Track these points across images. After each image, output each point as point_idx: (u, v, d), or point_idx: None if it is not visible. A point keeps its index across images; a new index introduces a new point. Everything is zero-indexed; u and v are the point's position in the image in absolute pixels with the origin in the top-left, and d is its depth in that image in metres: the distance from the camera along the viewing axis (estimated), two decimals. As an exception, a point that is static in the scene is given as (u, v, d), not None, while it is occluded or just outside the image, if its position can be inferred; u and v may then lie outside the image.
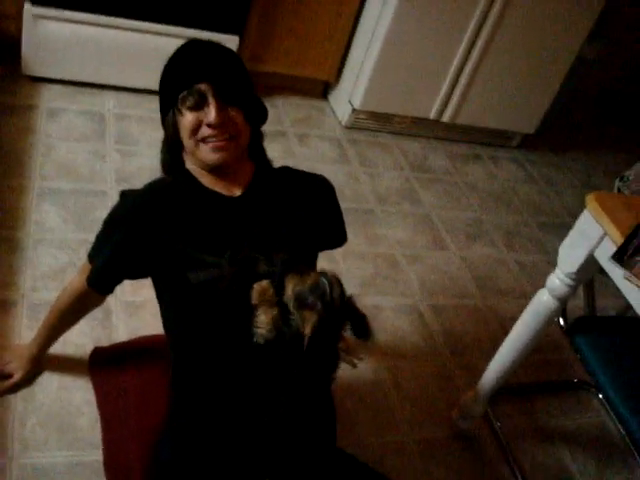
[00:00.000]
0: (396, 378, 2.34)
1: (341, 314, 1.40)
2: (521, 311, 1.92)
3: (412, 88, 3.46)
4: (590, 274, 1.85)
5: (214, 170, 1.51)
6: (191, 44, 1.54)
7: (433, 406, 2.30)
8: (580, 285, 1.82)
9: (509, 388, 2.32)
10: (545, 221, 3.47)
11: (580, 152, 4.21)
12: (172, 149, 1.56)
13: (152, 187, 1.54)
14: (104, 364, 1.97)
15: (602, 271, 1.65)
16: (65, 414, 1.88)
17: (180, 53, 1.52)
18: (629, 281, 1.47)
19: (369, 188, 3.20)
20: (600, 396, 2.47)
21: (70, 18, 2.90)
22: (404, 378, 2.35)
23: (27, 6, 2.83)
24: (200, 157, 1.49)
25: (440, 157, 3.65)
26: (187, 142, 1.49)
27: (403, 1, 3.11)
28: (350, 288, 2.56)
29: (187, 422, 1.49)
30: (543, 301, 1.82)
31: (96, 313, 2.10)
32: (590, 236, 1.64)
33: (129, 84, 3.17)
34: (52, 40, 2.93)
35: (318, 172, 1.76)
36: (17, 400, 1.87)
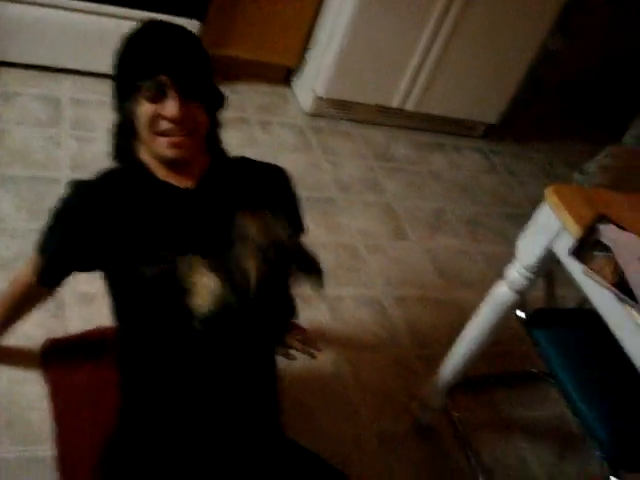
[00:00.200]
0: (356, 370, 2.32)
1: (290, 257, 1.38)
2: (484, 302, 1.92)
3: (375, 76, 3.44)
4: (549, 267, 1.85)
5: (169, 164, 1.45)
6: (151, 26, 1.44)
7: (393, 398, 2.29)
8: (539, 277, 1.81)
9: (469, 380, 2.31)
10: (508, 212, 3.47)
11: (543, 143, 4.22)
12: (124, 136, 1.48)
13: (102, 177, 1.49)
14: (56, 356, 1.91)
15: (562, 261, 1.64)
16: (16, 408, 1.84)
17: (140, 36, 1.43)
18: (588, 276, 1.46)
19: (331, 177, 3.17)
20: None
21: (26, 0, 2.82)
22: (364, 370, 2.34)
23: (-19, -13, 2.75)
24: (156, 150, 1.43)
25: (403, 146, 3.63)
26: (143, 133, 1.41)
27: (367, -12, 3.08)
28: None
29: (136, 418, 1.46)
30: (501, 293, 1.82)
31: (49, 304, 2.05)
32: (549, 229, 1.63)
33: (87, 68, 3.09)
34: (7, 22, 2.85)
35: (280, 160, 1.73)
36: (-35, 394, 1.82)
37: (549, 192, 1.63)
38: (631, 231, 1.54)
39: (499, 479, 2.19)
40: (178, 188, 1.47)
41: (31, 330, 1.99)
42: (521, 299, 1.83)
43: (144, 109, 1.39)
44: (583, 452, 2.34)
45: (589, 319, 1.98)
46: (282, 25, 3.36)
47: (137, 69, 1.39)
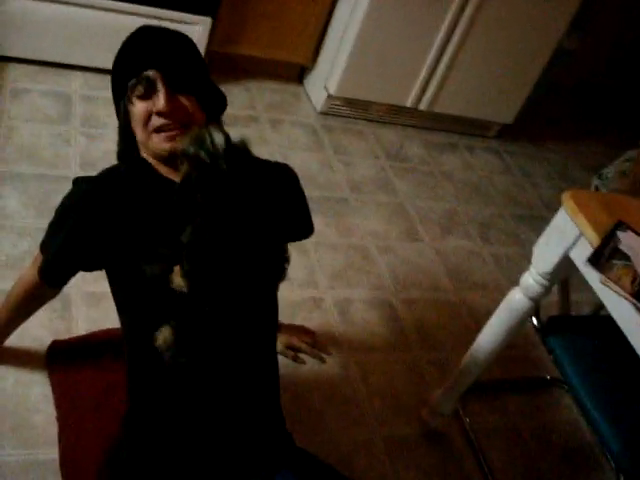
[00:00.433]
0: (365, 373, 2.29)
1: (230, 159, 1.32)
2: (495, 306, 1.88)
3: (389, 75, 3.39)
4: (565, 274, 1.81)
5: (169, 161, 1.43)
6: (141, 31, 1.48)
7: (403, 402, 2.25)
8: (555, 284, 1.77)
9: (481, 385, 2.28)
10: (521, 213, 3.43)
11: (558, 144, 4.17)
12: (126, 138, 1.51)
13: (107, 174, 1.49)
14: (63, 358, 1.90)
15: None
16: (21, 411, 1.80)
17: (129, 40, 1.47)
18: (606, 286, 1.42)
19: (343, 177, 3.13)
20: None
21: (36, -5, 2.79)
22: (373, 373, 2.30)
23: (-9, -18, 2.73)
24: (153, 148, 1.43)
25: (416, 146, 3.59)
26: (139, 133, 1.44)
27: (381, -15, 3.05)
28: (321, 280, 2.53)
29: (144, 427, 1.44)
30: (516, 300, 1.77)
31: (55, 304, 2.03)
32: (566, 236, 1.59)
33: (98, 64, 3.07)
34: (17, 18, 2.83)
35: (291, 159, 1.71)
36: (-31, 396, 1.80)
37: (566, 197, 1.59)
38: (651, 239, 1.50)
39: (510, 487, 2.16)
40: None
41: (37, 331, 1.97)
42: (536, 306, 1.79)
43: (137, 108, 1.41)
44: (597, 462, 2.29)
45: (605, 326, 1.94)
46: (295, 22, 3.32)
47: (127, 69, 1.43)
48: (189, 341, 1.35)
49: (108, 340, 1.91)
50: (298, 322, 2.29)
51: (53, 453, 1.71)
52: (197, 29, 3.04)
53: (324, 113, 3.49)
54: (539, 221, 3.36)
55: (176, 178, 1.44)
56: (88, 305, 2.10)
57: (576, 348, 1.86)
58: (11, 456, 1.71)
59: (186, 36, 1.49)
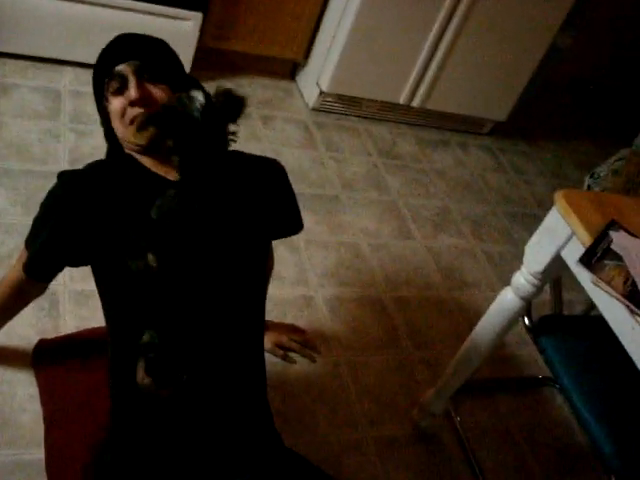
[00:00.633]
0: (355, 373, 2.28)
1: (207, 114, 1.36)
2: (487, 304, 1.87)
3: (382, 72, 3.37)
4: (557, 273, 1.80)
5: (151, 150, 1.44)
6: (117, 37, 1.55)
7: (393, 402, 2.24)
8: (547, 283, 1.76)
9: (472, 384, 2.26)
10: (514, 211, 3.41)
11: (551, 141, 4.16)
12: (110, 139, 1.55)
13: (91, 167, 1.48)
14: (49, 358, 1.88)
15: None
16: (7, 410, 1.79)
17: (106, 46, 1.54)
18: (597, 286, 1.41)
19: (335, 173, 3.11)
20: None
21: (26, -11, 2.76)
22: (364, 373, 2.29)
23: (-21, -24, 2.70)
24: (130, 139, 1.45)
25: (409, 143, 3.58)
26: (118, 129, 1.47)
27: (374, -19, 3.02)
28: (311, 277, 2.52)
29: (127, 428, 1.42)
30: (508, 300, 1.76)
31: (43, 302, 2.01)
32: (558, 235, 1.57)
33: (89, 60, 3.02)
34: (6, 12, 2.79)
35: (283, 155, 1.70)
36: (-46, 395, 1.78)
37: (558, 196, 1.57)
38: (643, 238, 1.49)
39: (501, 487, 2.15)
40: (165, 179, 1.44)
41: (23, 330, 1.95)
42: (527, 306, 1.78)
43: (114, 105, 1.46)
44: (587, 462, 2.29)
45: (596, 327, 1.93)
46: (287, 18, 3.30)
47: (101, 69, 1.50)
48: (173, 341, 1.33)
49: (95, 339, 1.89)
50: (288, 320, 2.27)
51: (39, 453, 1.69)
52: (188, 25, 3.02)
53: (316, 109, 3.47)
54: (532, 219, 3.35)
55: (162, 172, 1.44)
56: (76, 304, 2.08)
57: (568, 348, 1.85)
58: (-1, 456, 1.69)
59: (159, 38, 1.56)
